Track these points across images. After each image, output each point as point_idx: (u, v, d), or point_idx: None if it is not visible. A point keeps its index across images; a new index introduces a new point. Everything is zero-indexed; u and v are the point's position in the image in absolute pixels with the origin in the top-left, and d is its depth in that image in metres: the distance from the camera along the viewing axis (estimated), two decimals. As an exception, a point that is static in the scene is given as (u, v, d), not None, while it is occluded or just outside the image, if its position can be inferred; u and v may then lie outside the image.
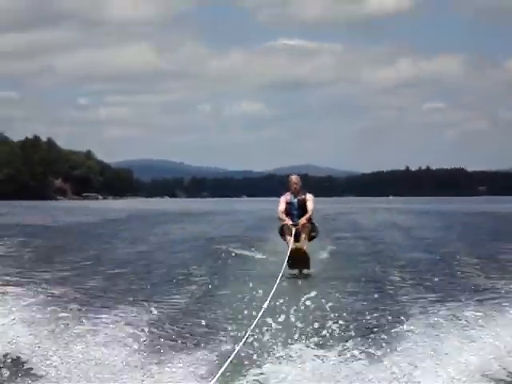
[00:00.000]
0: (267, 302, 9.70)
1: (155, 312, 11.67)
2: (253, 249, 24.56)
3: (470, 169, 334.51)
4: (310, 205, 18.52)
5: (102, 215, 63.95)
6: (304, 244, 18.28)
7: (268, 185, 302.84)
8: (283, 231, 18.48)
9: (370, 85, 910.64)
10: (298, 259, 18.22)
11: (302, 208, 18.51)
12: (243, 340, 7.81)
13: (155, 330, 10.36)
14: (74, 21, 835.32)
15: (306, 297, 9.16)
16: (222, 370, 6.71)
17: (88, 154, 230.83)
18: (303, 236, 18.33)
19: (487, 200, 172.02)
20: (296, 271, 18.37)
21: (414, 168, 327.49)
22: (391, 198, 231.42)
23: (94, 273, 18.46)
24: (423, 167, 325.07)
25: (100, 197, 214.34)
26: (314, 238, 18.94)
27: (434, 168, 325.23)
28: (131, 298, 13.36)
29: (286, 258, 17.36)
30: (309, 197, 18.60)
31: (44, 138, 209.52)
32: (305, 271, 18.42)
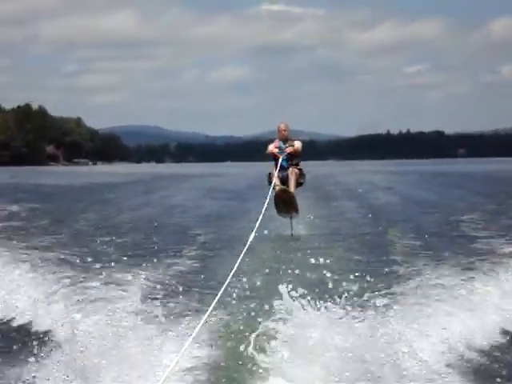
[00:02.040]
0: (252, 234, 9.77)
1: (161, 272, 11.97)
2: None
3: (450, 131, 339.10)
4: (297, 143, 18.50)
5: (107, 179, 68.40)
6: (291, 188, 18.14)
7: (253, 149, 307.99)
8: (271, 177, 18.24)
9: (352, 49, 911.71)
10: (285, 202, 18.14)
11: (291, 154, 18.37)
12: (222, 288, 7.33)
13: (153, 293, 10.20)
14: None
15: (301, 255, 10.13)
16: (202, 322, 6.37)
17: (78, 121, 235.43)
18: (291, 180, 18.15)
19: (466, 161, 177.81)
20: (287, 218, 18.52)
21: (395, 132, 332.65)
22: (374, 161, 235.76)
23: (103, 235, 18.18)
24: (404, 131, 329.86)
25: (90, 163, 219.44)
26: (301, 184, 18.64)
27: (414, 131, 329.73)
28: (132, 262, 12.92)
29: (273, 199, 17.38)
30: (297, 141, 18.52)
31: (35, 106, 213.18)
32: (294, 215, 18.49)
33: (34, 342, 7.90)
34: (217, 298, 6.93)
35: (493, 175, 67.31)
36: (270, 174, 18.30)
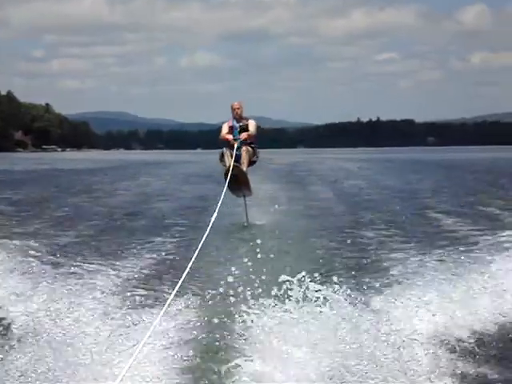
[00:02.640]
0: (210, 224, 9.78)
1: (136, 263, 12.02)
2: None
3: (420, 120, 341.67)
4: (251, 127, 18.21)
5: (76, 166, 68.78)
6: (244, 166, 17.97)
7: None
8: (223, 156, 18.07)
9: (324, 36, 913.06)
10: (238, 180, 17.83)
11: (245, 132, 18.16)
12: (189, 264, 7.49)
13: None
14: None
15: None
16: (169, 301, 6.43)
17: (47, 107, 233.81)
18: (244, 158, 17.97)
19: (433, 150, 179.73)
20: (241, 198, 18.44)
21: (365, 119, 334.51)
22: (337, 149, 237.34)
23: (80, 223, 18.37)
24: (374, 118, 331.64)
25: (59, 149, 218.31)
26: (254, 162, 18.54)
27: (384, 119, 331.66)
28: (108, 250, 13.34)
29: (226, 177, 17.08)
30: (251, 121, 18.30)
31: (3, 92, 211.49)
32: (247, 194, 18.37)
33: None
34: (177, 286, 6.87)
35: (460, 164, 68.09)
36: (222, 153, 17.99)
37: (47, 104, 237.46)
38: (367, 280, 9.84)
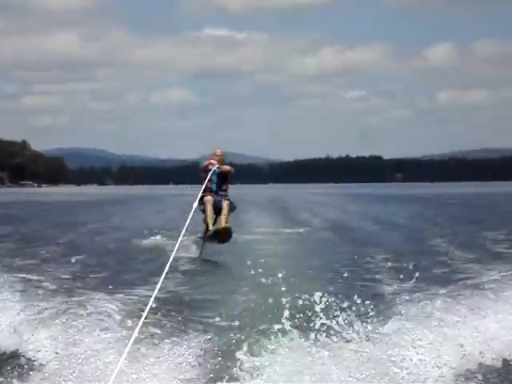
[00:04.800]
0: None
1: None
2: None
3: (388, 156, 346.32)
4: (228, 167, 18.83)
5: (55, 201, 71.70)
6: (227, 219, 18.30)
7: (194, 172, 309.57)
8: (202, 201, 18.06)
9: (294, 74, 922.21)
10: (220, 236, 18.43)
11: (223, 178, 18.61)
12: (161, 278, 7.58)
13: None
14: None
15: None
16: (143, 319, 6.43)
17: (24, 144, 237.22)
18: (226, 215, 18.33)
19: (400, 186, 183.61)
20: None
21: (334, 156, 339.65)
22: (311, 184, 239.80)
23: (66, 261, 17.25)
24: (343, 155, 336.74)
25: (35, 184, 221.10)
26: (233, 210, 18.82)
27: (353, 156, 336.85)
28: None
29: (207, 233, 17.98)
30: (229, 167, 18.93)
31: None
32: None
33: None
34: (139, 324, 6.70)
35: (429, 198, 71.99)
36: (202, 197, 17.96)
37: (24, 141, 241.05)
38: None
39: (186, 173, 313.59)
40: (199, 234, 18.81)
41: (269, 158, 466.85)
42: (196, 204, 13.90)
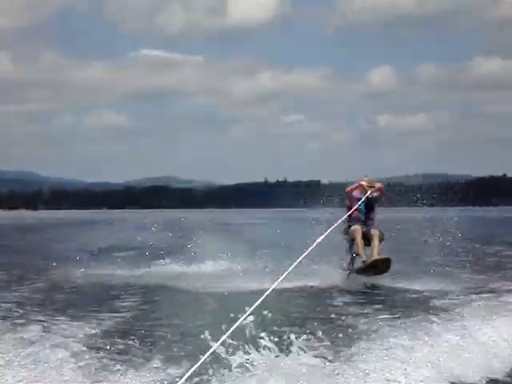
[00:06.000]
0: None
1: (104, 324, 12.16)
2: None
3: (326, 180, 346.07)
4: (378, 184, 17.71)
5: None
6: (375, 252, 17.11)
7: (128, 197, 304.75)
8: (351, 231, 17.25)
9: (231, 97, 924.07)
10: (382, 268, 17.21)
11: (370, 206, 17.59)
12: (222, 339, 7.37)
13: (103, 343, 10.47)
14: None
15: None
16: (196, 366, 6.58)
17: None
18: (377, 246, 17.21)
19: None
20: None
21: (272, 180, 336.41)
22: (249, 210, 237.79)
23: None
24: (281, 179, 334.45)
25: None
26: (382, 240, 17.59)
27: (291, 180, 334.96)
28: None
29: (359, 270, 16.89)
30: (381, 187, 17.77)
31: None
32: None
33: None
34: None
35: None
36: (349, 226, 17.15)
37: None
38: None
39: (121, 197, 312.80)
40: (345, 266, 17.58)
41: (207, 180, 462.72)
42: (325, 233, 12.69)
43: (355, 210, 16.71)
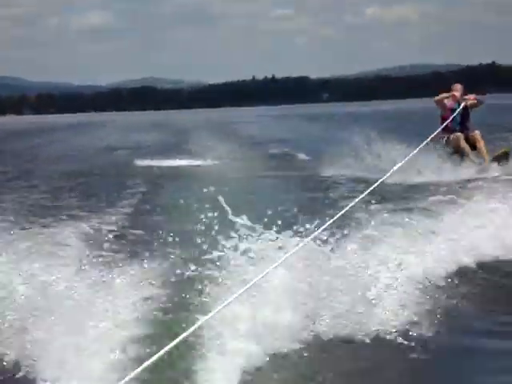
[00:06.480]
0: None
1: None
2: None
3: (314, 76, 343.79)
4: (472, 96, 17.33)
5: None
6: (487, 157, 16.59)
7: (116, 99, 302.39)
8: (451, 140, 16.63)
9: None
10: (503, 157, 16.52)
11: (466, 114, 17.20)
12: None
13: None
14: None
15: None
16: None
17: None
18: (479, 138, 16.77)
19: (329, 106, 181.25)
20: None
21: (260, 77, 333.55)
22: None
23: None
24: (269, 76, 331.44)
25: None
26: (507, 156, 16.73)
27: (279, 77, 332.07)
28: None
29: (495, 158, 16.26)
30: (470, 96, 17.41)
31: None
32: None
33: None
34: None
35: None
36: (448, 137, 16.62)
37: None
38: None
39: (109, 99, 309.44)
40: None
41: (194, 80, 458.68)
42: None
43: (450, 121, 16.53)
